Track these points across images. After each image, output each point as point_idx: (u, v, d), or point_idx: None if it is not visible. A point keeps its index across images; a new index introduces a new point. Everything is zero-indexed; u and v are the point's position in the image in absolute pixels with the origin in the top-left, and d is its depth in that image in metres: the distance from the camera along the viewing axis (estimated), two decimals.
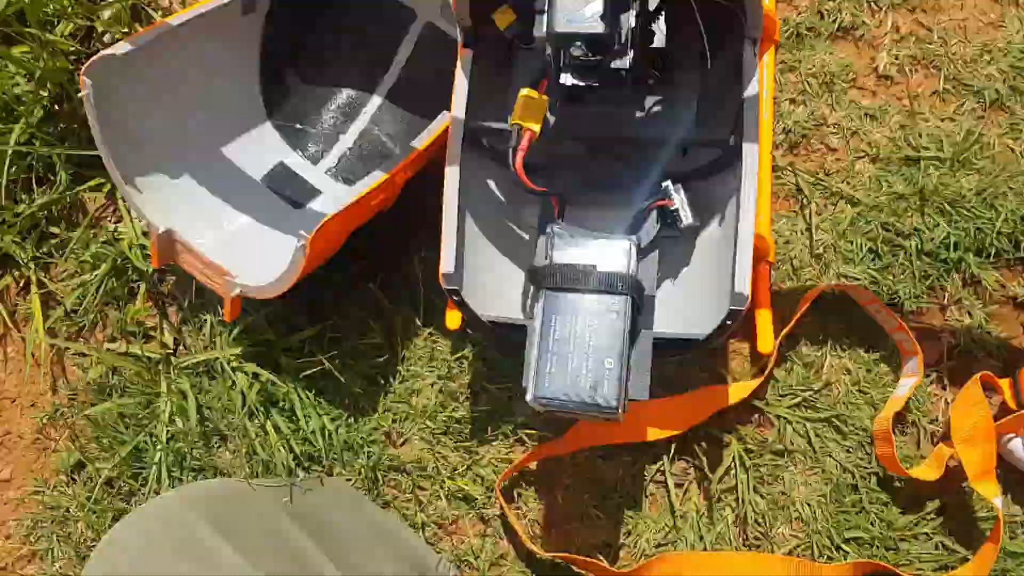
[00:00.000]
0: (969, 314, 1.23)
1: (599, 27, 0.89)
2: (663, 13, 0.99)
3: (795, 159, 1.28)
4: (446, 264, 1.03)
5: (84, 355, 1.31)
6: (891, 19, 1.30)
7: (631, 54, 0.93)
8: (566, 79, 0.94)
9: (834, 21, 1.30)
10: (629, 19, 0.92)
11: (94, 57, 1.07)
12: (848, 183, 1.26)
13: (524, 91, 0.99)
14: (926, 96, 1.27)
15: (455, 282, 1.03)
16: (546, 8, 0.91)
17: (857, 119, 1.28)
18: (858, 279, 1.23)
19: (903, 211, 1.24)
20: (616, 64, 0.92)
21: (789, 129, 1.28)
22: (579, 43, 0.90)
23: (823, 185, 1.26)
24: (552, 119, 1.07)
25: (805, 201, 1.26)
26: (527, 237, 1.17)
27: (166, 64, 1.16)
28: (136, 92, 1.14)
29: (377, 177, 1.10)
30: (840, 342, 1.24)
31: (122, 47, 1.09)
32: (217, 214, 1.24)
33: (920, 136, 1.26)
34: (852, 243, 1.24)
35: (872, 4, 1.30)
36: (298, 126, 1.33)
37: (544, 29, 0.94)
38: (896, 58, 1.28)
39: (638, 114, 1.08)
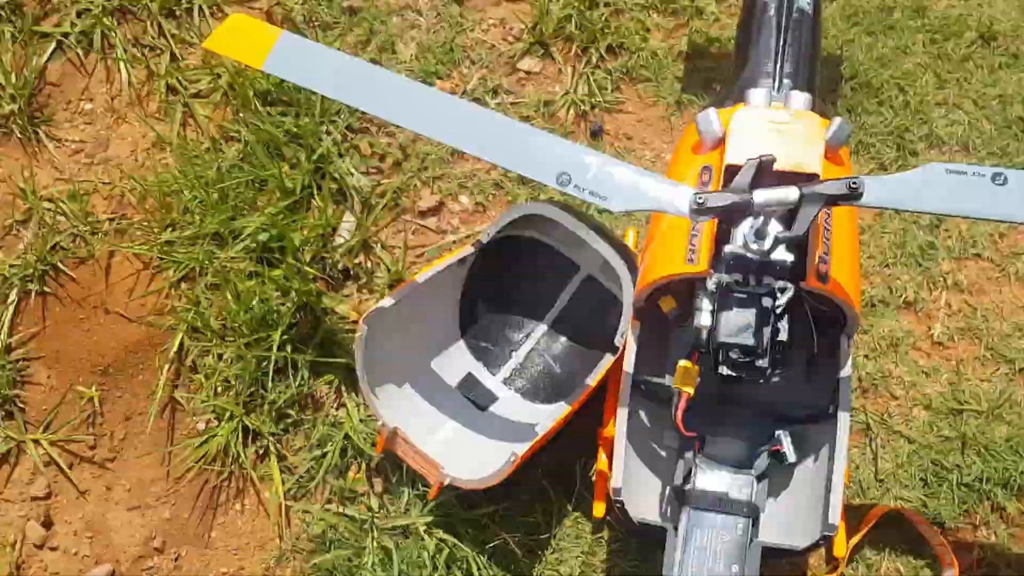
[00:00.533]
0: (995, 534, 1.59)
1: (751, 340, 1.29)
2: (786, 316, 1.39)
3: (866, 402, 1.67)
4: (616, 480, 1.41)
5: (307, 512, 1.69)
6: (945, 297, 1.71)
7: (769, 354, 1.33)
8: (723, 370, 1.34)
9: (900, 296, 1.71)
10: (768, 331, 1.32)
11: (370, 310, 1.49)
12: (906, 425, 1.65)
13: (682, 363, 1.38)
14: (970, 360, 1.67)
15: (622, 494, 1.40)
16: (711, 322, 1.32)
17: (915, 375, 1.67)
18: (911, 502, 1.61)
19: (948, 451, 1.62)
20: (759, 363, 1.32)
21: (862, 378, 1.68)
22: (736, 349, 1.30)
23: (887, 425, 1.65)
24: (698, 380, 1.47)
25: (872, 436, 1.65)
26: (664, 455, 1.55)
27: (408, 307, 1.57)
28: (387, 328, 1.55)
29: (563, 409, 1.50)
30: (894, 548, 1.60)
31: (388, 301, 1.51)
32: (427, 414, 1.64)
33: (964, 392, 1.65)
34: (908, 473, 1.62)
35: (931, 284, 1.72)
36: (482, 344, 1.74)
37: (703, 322, 1.34)
38: (947, 328, 1.69)
39: (760, 383, 1.47)
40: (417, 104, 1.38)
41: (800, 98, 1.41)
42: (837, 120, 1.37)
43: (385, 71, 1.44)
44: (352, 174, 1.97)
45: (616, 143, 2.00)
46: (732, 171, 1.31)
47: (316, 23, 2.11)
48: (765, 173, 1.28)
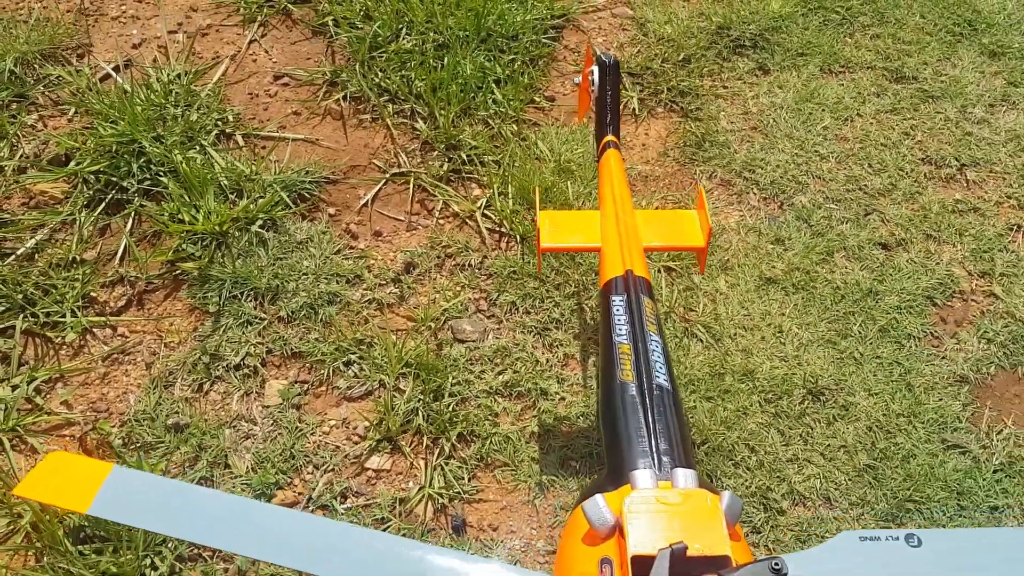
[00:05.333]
0: None
1: None
2: None
3: None
4: None
5: None
6: None
7: None
8: None
9: None
10: None
11: None
12: None
13: None
14: None
15: None
16: None
17: None
18: None
19: None
20: None
21: None
22: None
23: None
24: None
25: None
26: None
27: None
28: None
29: None
30: None
31: None
32: None
33: None
34: None
35: None
36: None
37: None
38: None
39: None
40: (291, 533, 1.21)
41: (687, 476, 1.36)
42: (726, 494, 1.32)
43: (234, 498, 1.28)
44: None
45: (482, 535, 1.86)
46: (640, 563, 1.21)
47: (136, 445, 1.92)
48: (676, 562, 1.19)
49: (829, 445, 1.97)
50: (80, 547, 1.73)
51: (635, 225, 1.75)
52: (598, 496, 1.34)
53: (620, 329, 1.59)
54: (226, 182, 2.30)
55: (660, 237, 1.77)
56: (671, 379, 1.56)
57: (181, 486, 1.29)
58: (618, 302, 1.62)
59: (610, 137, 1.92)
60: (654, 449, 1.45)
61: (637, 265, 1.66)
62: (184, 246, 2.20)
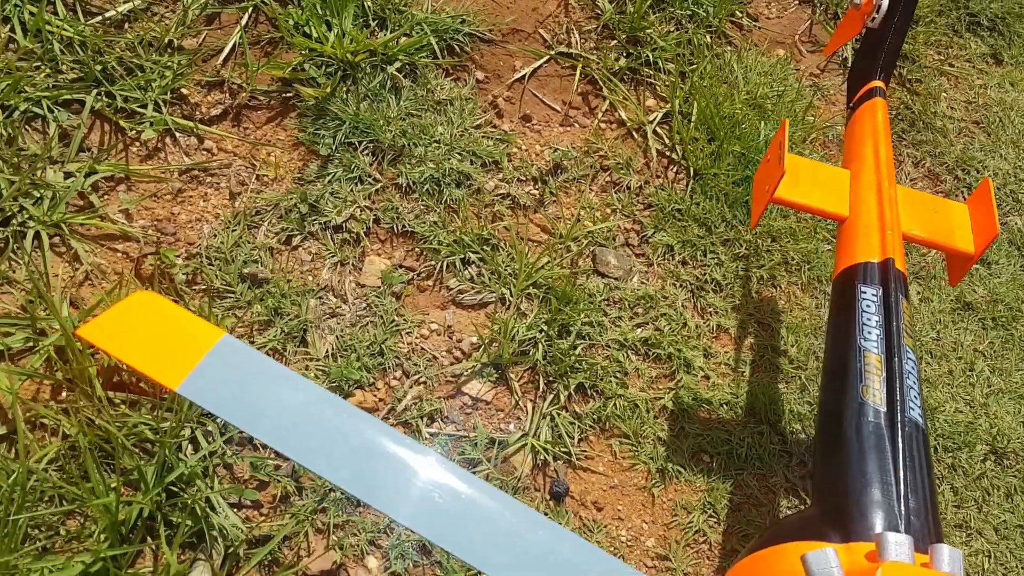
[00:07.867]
0: None
1: None
2: None
3: None
4: None
5: None
6: None
7: None
8: None
9: None
10: None
11: None
12: None
13: None
14: None
15: None
16: None
17: None
18: None
19: None
20: None
21: None
22: None
23: None
24: None
25: None
26: None
27: None
28: None
29: None
30: None
31: None
32: None
33: None
34: None
35: None
36: None
37: None
38: None
39: None
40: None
41: (954, 558, 1.01)
42: None
43: (370, 419, 0.92)
44: (218, 508, 1.36)
45: (582, 511, 1.53)
46: None
47: (202, 287, 1.56)
48: None
49: (1005, 521, 1.64)
50: (111, 393, 1.39)
51: (898, 203, 1.37)
52: (830, 550, 0.99)
53: (870, 333, 1.22)
54: (370, 4, 1.89)
55: (923, 227, 1.39)
56: (924, 418, 1.20)
57: (303, 383, 0.93)
58: (869, 296, 1.25)
59: (878, 82, 1.52)
60: (902, 506, 1.10)
61: (898, 254, 1.29)
62: (305, 66, 1.80)
